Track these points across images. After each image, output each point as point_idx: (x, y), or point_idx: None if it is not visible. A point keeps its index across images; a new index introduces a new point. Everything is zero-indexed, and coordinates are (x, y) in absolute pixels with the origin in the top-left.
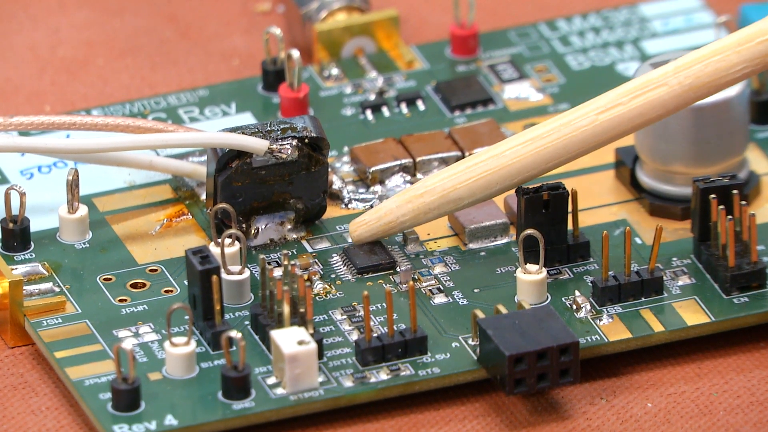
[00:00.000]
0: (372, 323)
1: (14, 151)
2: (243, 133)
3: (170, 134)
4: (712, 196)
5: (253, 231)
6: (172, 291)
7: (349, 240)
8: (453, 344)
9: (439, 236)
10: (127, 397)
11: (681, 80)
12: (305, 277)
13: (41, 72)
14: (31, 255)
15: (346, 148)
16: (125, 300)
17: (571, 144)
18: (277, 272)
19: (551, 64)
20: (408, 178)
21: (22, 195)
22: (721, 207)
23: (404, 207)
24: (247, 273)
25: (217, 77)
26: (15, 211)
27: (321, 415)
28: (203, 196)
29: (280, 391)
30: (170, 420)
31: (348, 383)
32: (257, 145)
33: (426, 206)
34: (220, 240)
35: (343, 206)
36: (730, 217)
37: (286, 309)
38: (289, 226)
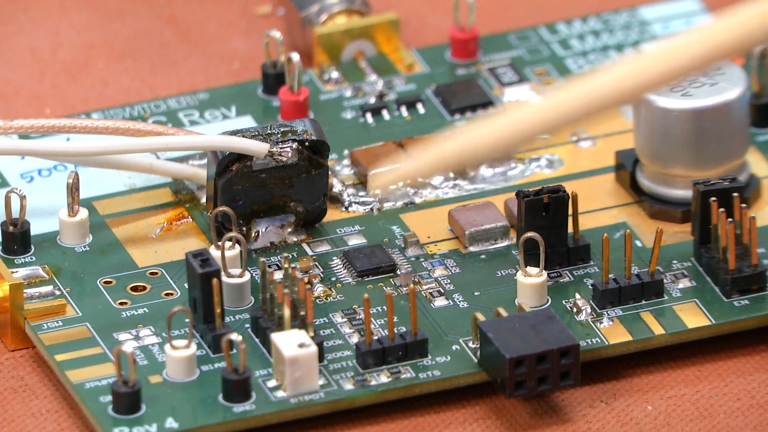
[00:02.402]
0: (372, 326)
1: (14, 155)
2: (243, 136)
3: (170, 137)
4: (713, 198)
5: (253, 234)
6: (172, 294)
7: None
8: (453, 347)
9: (439, 239)
10: (128, 400)
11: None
12: (306, 280)
13: (41, 74)
14: (31, 258)
15: (346, 152)
16: (126, 303)
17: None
18: (278, 275)
19: (551, 67)
20: (408, 181)
21: (23, 198)
22: (722, 210)
23: (424, 160)
24: (247, 276)
25: (218, 80)
26: (15, 214)
27: (321, 418)
28: (203, 200)
29: (280, 393)
30: (171, 423)
31: (348, 386)
32: (257, 148)
33: (444, 161)
34: (220, 243)
35: (344, 209)
36: (730, 219)
37: (287, 312)
38: (290, 229)
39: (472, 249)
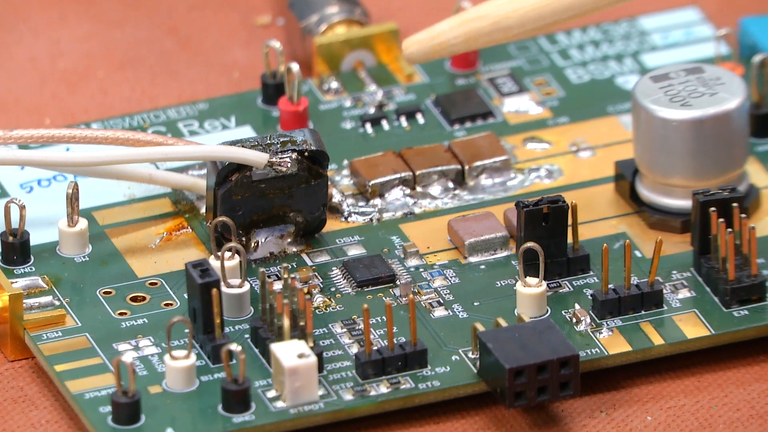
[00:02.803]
0: (372, 336)
1: (14, 165)
2: (243, 147)
3: (170, 147)
4: (712, 209)
5: (252, 244)
6: (172, 304)
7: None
8: (453, 357)
9: (438, 249)
10: (128, 411)
11: None
12: (305, 290)
13: (41, 84)
14: (31, 268)
15: (345, 162)
16: (125, 313)
17: None
18: (277, 285)
19: (551, 77)
20: (408, 191)
21: (22, 208)
22: (721, 220)
23: (457, 29)
24: (247, 286)
25: (218, 90)
26: (15, 224)
27: (321, 429)
28: (203, 210)
29: (280, 404)
30: None
31: (348, 396)
32: (257, 158)
33: (477, 31)
34: (220, 253)
35: (343, 219)
36: (730, 230)
37: (286, 322)
38: (289, 240)
39: (471, 259)
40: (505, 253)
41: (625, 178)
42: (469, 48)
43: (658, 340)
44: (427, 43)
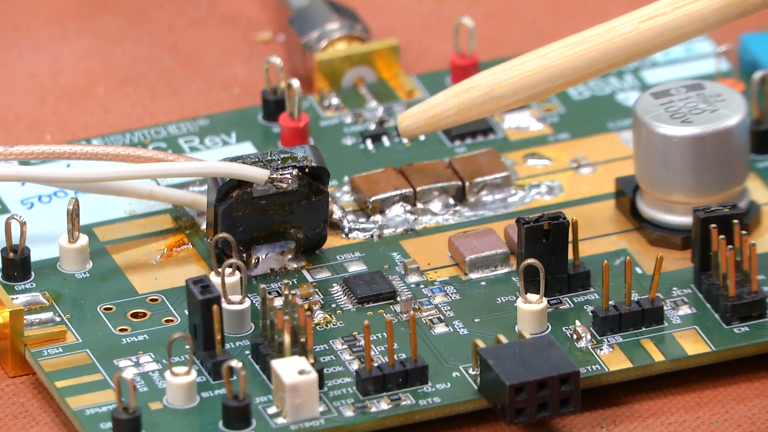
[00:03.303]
0: (372, 353)
1: (15, 181)
2: (243, 163)
3: (170, 164)
4: (713, 225)
5: (253, 260)
6: (172, 320)
7: (404, 134)
8: (454, 374)
9: (439, 266)
10: (128, 427)
11: None
12: (306, 306)
13: (42, 100)
14: (31, 284)
15: (346, 178)
16: (126, 329)
17: (612, 50)
18: (278, 302)
19: None
20: (408, 207)
21: (23, 224)
22: (722, 237)
23: (450, 101)
24: (247, 302)
25: (218, 106)
26: (15, 240)
27: None
28: (203, 226)
29: (280, 420)
30: None
31: (349, 413)
32: (258, 174)
33: (471, 102)
34: (220, 269)
35: (344, 236)
36: (730, 246)
37: (287, 338)
38: (290, 256)
39: (472, 276)
40: (505, 270)
41: (626, 194)
42: (463, 119)
43: (658, 356)
44: (422, 116)
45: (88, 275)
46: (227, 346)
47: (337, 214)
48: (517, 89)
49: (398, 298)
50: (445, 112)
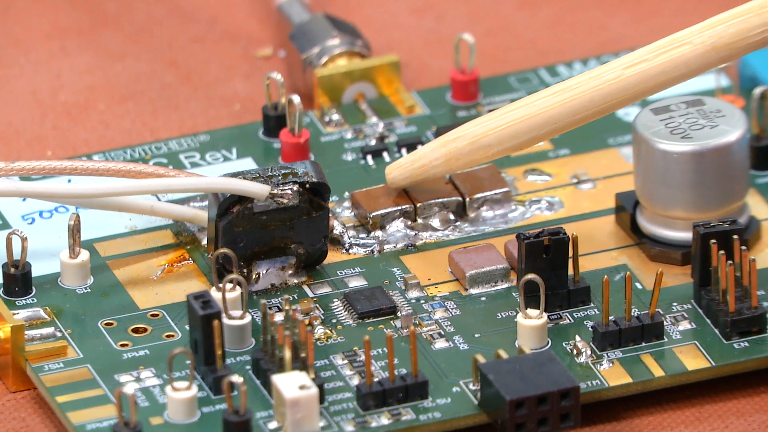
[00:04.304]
0: (373, 368)
1: (16, 196)
2: (244, 179)
3: (171, 179)
4: (713, 241)
5: (254, 276)
6: (173, 336)
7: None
8: (454, 389)
9: (439, 281)
10: None
11: (704, 39)
12: (306, 321)
13: (43, 117)
14: (32, 300)
15: (346, 194)
16: (127, 345)
17: (597, 97)
18: (279, 317)
19: None
20: (409, 223)
21: (24, 240)
22: (722, 252)
23: (437, 151)
24: (248, 318)
25: (219, 122)
26: (17, 255)
27: None
28: (204, 241)
29: None
30: None
31: (349, 428)
32: (258, 190)
33: (457, 151)
34: (221, 285)
35: (344, 251)
36: (730, 262)
37: (288, 354)
38: (290, 271)
39: (472, 291)
40: (505, 285)
41: (626, 210)
42: (450, 169)
43: (658, 371)
44: (409, 167)
45: (89, 290)
46: (228, 361)
47: (337, 229)
48: (502, 138)
49: (399, 314)
50: (432, 162)
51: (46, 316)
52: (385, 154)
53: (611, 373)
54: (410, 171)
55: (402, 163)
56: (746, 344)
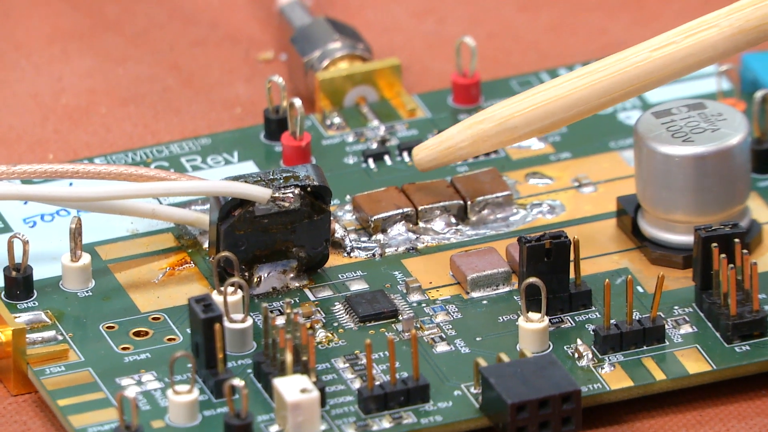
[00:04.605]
0: (374, 371)
1: (17, 200)
2: (246, 182)
3: (173, 183)
4: (714, 244)
5: (255, 279)
6: (174, 339)
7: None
8: (455, 392)
9: (441, 285)
10: None
11: (732, 22)
12: (308, 325)
13: (44, 120)
14: (34, 303)
15: (348, 197)
16: (128, 348)
17: (624, 79)
18: (280, 320)
19: None
20: (410, 226)
21: (25, 243)
22: (723, 256)
23: (464, 133)
24: (249, 321)
25: (220, 126)
26: (18, 259)
27: None
28: (206, 245)
29: None
30: None
31: (350, 431)
32: (260, 193)
33: (484, 133)
34: (222, 288)
35: (346, 255)
36: (731, 265)
37: (289, 357)
38: (292, 275)
39: (473, 294)
40: (507, 289)
41: (627, 213)
42: (477, 150)
43: (659, 375)
44: (436, 148)
45: (90, 294)
46: (229, 364)
47: (339, 233)
48: (530, 120)
49: (400, 317)
50: (459, 143)
51: (48, 320)
52: (386, 158)
53: (612, 377)
54: (437, 152)
55: (429, 144)
56: (747, 348)
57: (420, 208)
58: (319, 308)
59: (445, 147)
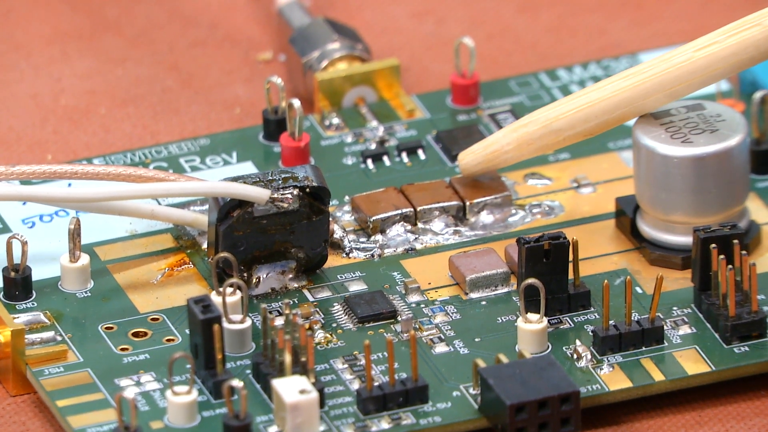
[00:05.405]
0: (373, 372)
1: (16, 200)
2: (244, 183)
3: (172, 183)
4: (713, 245)
5: (254, 280)
6: (173, 340)
7: (459, 170)
8: (454, 393)
9: (440, 285)
10: None
11: None
12: (306, 326)
13: (43, 121)
14: (32, 304)
15: (347, 198)
16: (127, 349)
17: (667, 80)
18: (279, 321)
19: None
20: (409, 227)
21: (24, 244)
22: (722, 256)
23: (509, 136)
24: (248, 322)
25: (219, 126)
26: (17, 259)
27: None
28: (205, 246)
29: None
30: None
31: None
32: (259, 194)
33: (528, 136)
34: (221, 289)
35: (344, 255)
36: (730, 266)
37: (288, 358)
38: (291, 276)
39: (472, 295)
40: (506, 289)
41: (626, 214)
42: (522, 154)
43: (658, 376)
44: (481, 152)
45: (89, 294)
46: (228, 365)
47: (337, 233)
48: (574, 122)
49: (399, 318)
50: (504, 147)
51: (47, 320)
52: (385, 158)
53: (611, 378)
54: (482, 156)
55: (474, 149)
56: (746, 349)
57: (419, 208)
58: (317, 309)
59: (491, 151)
